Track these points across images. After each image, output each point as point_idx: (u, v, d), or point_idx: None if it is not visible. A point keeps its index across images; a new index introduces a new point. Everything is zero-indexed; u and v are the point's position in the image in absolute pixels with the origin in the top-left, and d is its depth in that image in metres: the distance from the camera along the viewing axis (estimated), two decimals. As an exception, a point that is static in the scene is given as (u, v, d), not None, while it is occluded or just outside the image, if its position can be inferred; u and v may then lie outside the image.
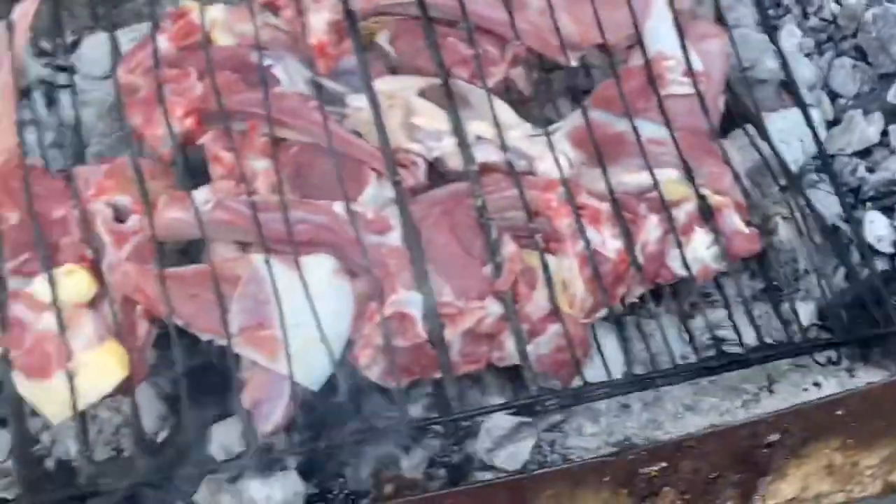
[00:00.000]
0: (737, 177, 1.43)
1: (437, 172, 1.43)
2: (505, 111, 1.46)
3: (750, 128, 1.52)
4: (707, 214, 1.40)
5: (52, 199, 1.34)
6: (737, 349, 1.36)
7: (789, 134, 1.54)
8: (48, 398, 1.25)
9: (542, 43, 1.50)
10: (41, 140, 1.48)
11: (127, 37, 1.58)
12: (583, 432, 1.36)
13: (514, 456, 1.34)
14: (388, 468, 1.32)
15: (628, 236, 1.38)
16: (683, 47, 1.50)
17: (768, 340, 1.38)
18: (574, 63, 1.50)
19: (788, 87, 1.59)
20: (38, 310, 1.27)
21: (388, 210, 1.37)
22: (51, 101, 1.59)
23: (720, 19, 1.58)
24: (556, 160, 1.41)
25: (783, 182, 1.49)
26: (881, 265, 1.49)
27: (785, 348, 1.38)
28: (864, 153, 1.59)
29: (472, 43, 1.47)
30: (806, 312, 1.44)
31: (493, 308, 1.32)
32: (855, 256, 1.49)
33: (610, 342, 1.37)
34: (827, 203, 1.52)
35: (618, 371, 1.35)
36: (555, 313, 1.33)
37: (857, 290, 1.44)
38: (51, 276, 1.28)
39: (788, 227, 1.48)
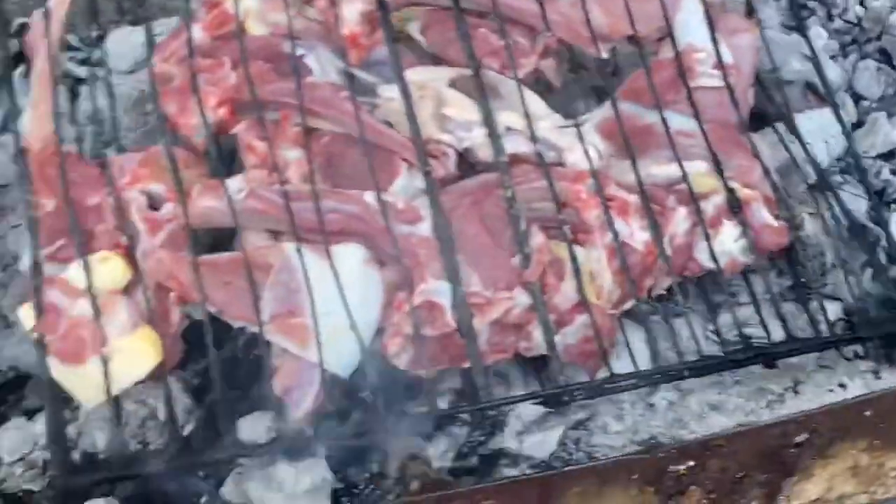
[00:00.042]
0: (766, 171, 1.44)
1: (466, 163, 1.44)
2: (535, 102, 1.47)
3: (778, 126, 1.52)
4: (735, 207, 1.41)
5: (88, 187, 1.35)
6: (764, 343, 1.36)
7: (815, 135, 1.54)
8: (82, 383, 1.27)
9: (573, 34, 1.51)
10: (61, 133, 1.47)
11: (153, 31, 1.57)
12: (608, 430, 1.36)
13: (542, 444, 1.35)
14: (414, 459, 1.32)
15: (656, 228, 1.38)
16: (714, 40, 1.50)
17: (798, 334, 1.38)
18: (605, 55, 1.50)
19: (814, 89, 1.59)
20: (73, 296, 1.28)
21: (419, 200, 1.38)
22: (74, 95, 1.60)
23: (750, 14, 1.58)
24: (586, 151, 1.42)
25: (811, 180, 1.49)
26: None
27: (812, 342, 1.39)
28: (888, 155, 1.60)
29: (503, 34, 1.48)
30: (832, 309, 1.44)
31: (522, 298, 1.33)
32: (882, 256, 1.49)
33: (637, 337, 1.37)
34: (853, 204, 1.51)
35: (644, 366, 1.35)
36: (582, 304, 1.34)
37: (885, 288, 1.44)
38: (86, 262, 1.30)
39: (815, 224, 1.48)
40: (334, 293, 1.30)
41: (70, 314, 1.28)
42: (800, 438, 1.28)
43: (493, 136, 1.42)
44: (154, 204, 1.35)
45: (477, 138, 1.42)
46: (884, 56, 1.66)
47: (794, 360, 1.41)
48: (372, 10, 1.48)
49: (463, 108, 1.44)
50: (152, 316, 1.30)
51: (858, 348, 1.42)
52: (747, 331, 1.39)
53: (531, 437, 1.35)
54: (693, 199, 1.40)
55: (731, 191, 1.41)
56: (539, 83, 1.51)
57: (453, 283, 1.32)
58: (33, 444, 1.35)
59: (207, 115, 1.38)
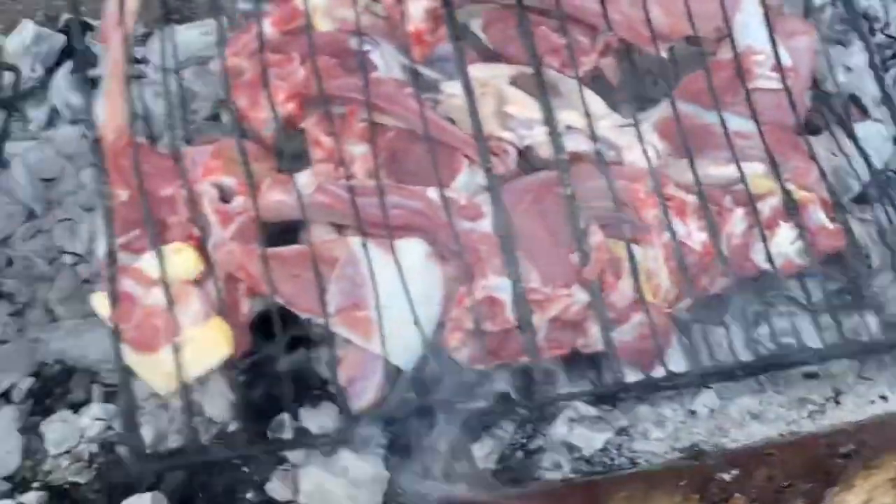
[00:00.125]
0: (822, 173, 1.45)
1: (525, 161, 1.46)
2: (595, 101, 1.48)
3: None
4: (792, 209, 1.42)
5: (161, 178, 1.37)
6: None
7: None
8: (155, 371, 1.30)
9: (634, 33, 1.52)
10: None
11: (198, 30, 1.62)
12: (649, 437, 1.37)
13: (591, 440, 1.36)
14: (461, 456, 1.34)
15: (714, 228, 1.40)
16: (772, 42, 1.51)
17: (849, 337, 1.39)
18: (664, 54, 1.52)
19: (856, 101, 1.60)
20: (146, 285, 1.31)
21: (480, 197, 1.40)
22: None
23: (807, 17, 1.59)
24: (644, 151, 1.43)
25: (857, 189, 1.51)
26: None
27: (869, 347, 1.39)
28: (927, 170, 1.59)
29: (564, 32, 1.49)
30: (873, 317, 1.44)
31: (580, 295, 1.36)
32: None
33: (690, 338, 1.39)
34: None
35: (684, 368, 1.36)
36: (639, 302, 1.36)
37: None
38: (159, 252, 1.32)
39: (862, 230, 1.49)
40: (397, 287, 1.32)
41: (144, 303, 1.30)
42: (846, 449, 1.29)
43: (554, 134, 1.43)
44: (225, 196, 1.38)
45: (537, 136, 1.44)
46: (925, 71, 1.67)
47: (834, 370, 1.42)
48: (436, 7, 1.49)
49: (524, 106, 1.45)
50: (223, 307, 1.32)
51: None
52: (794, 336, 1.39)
53: (582, 428, 1.37)
54: (750, 200, 1.42)
55: (787, 192, 1.43)
56: (598, 81, 1.52)
57: (513, 280, 1.34)
58: (79, 437, 1.38)
59: (277, 110, 1.41)
